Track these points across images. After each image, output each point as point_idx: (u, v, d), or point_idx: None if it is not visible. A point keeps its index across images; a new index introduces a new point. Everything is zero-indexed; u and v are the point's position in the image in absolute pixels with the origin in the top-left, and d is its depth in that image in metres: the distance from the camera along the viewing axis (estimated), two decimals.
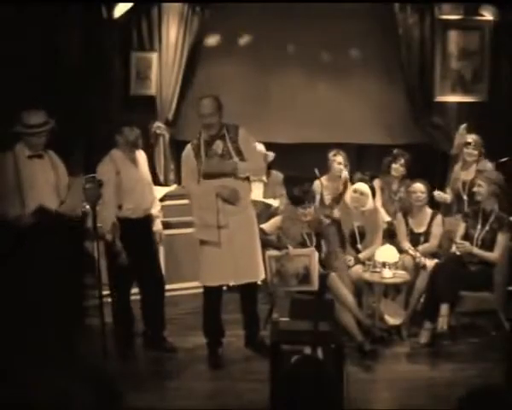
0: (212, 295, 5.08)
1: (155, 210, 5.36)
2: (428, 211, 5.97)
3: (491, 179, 5.66)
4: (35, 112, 4.96)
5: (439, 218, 5.92)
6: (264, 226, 5.54)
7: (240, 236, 5.04)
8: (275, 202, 6.32)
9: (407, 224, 5.95)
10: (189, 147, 5.06)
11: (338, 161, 6.47)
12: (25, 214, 4.88)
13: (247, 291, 5.18)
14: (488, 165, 6.17)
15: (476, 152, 6.17)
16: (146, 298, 5.30)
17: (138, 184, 5.10)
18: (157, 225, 5.38)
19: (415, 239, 5.90)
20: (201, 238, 5.02)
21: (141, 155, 5.24)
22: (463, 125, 6.47)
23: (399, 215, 6.03)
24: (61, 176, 5.13)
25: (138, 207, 5.10)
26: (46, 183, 5.00)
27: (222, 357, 5.15)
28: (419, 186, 5.88)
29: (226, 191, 4.94)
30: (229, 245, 4.97)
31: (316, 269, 5.22)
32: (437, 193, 6.20)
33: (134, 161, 5.13)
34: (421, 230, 5.92)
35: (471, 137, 6.23)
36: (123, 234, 5.02)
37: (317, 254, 5.26)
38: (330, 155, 6.51)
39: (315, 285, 5.23)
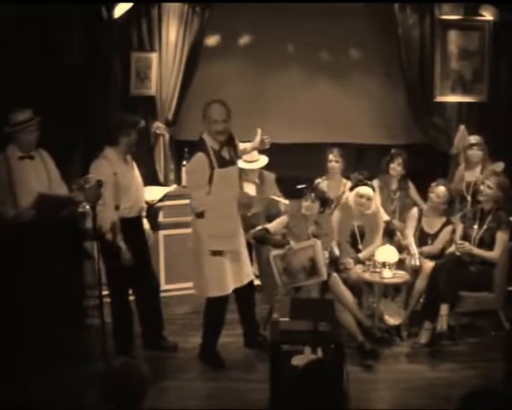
0: (220, 304, 5.04)
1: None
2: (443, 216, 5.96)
3: (502, 185, 5.62)
4: (20, 110, 4.97)
5: (450, 226, 5.87)
6: (269, 226, 5.53)
7: (240, 239, 5.10)
8: (285, 201, 6.31)
9: (419, 223, 5.94)
10: (202, 155, 4.85)
11: (329, 158, 6.55)
12: (22, 213, 4.88)
13: (245, 291, 5.18)
14: (500, 164, 6.15)
15: (480, 153, 6.19)
16: (144, 297, 5.29)
17: (133, 183, 5.08)
18: (145, 224, 5.36)
19: (423, 239, 5.89)
20: (218, 249, 4.91)
21: (129, 156, 5.21)
22: (462, 127, 6.48)
23: (415, 210, 6.02)
24: (52, 175, 5.13)
25: (134, 207, 5.08)
26: (39, 183, 5.01)
27: (220, 356, 5.15)
28: (439, 190, 5.85)
29: (246, 198, 4.97)
30: (235, 251, 5.00)
31: (321, 259, 5.20)
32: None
33: (126, 161, 5.10)
34: (432, 231, 5.90)
35: (475, 138, 6.24)
36: (124, 234, 5.01)
37: (320, 243, 5.24)
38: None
39: (324, 275, 5.21)
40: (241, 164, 6.34)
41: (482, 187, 5.60)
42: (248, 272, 5.21)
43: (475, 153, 6.22)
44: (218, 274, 4.94)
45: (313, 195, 5.57)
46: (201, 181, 4.86)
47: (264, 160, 6.44)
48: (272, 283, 5.36)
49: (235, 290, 5.13)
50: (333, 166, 6.54)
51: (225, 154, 4.97)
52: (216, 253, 4.91)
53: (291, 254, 5.25)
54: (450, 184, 6.17)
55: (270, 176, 6.57)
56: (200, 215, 4.95)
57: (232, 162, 5.01)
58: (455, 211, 6.19)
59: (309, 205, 5.53)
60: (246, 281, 5.14)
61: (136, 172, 5.21)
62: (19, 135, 4.95)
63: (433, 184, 5.92)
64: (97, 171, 4.89)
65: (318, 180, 6.54)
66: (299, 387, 2.81)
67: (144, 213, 5.37)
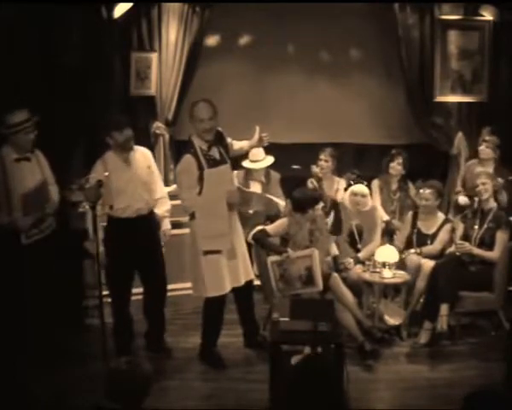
0: (217, 303, 5.04)
1: (162, 210, 5.28)
2: (440, 216, 5.95)
3: (493, 176, 5.73)
4: (17, 111, 4.93)
5: (448, 225, 5.89)
6: (268, 228, 5.50)
7: (236, 238, 5.08)
8: (281, 201, 6.32)
9: (414, 225, 5.94)
10: (189, 157, 4.89)
11: (319, 157, 6.58)
12: (15, 220, 4.85)
13: (244, 291, 5.18)
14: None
15: (489, 150, 6.22)
16: (146, 298, 5.31)
17: (130, 184, 5.01)
18: (164, 225, 5.31)
19: (421, 240, 5.88)
20: (211, 249, 4.91)
21: (140, 155, 5.15)
22: (488, 128, 6.53)
23: (409, 215, 6.03)
24: (47, 175, 5.11)
25: (128, 208, 5.02)
26: (34, 185, 4.98)
27: (220, 355, 5.15)
28: (425, 193, 5.88)
29: (235, 197, 4.96)
30: (232, 250, 5.00)
31: (318, 269, 5.20)
32: (461, 198, 6.21)
33: (127, 162, 5.04)
34: (430, 232, 5.90)
35: (489, 136, 6.29)
36: (114, 233, 5.02)
37: (318, 253, 5.24)
38: None
39: (319, 286, 5.21)
40: (245, 163, 6.39)
41: (478, 188, 5.62)
42: (247, 271, 5.20)
43: (484, 149, 6.26)
44: (214, 274, 4.94)
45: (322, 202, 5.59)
46: (190, 182, 4.88)
47: (269, 159, 6.46)
48: (271, 284, 5.35)
49: (234, 290, 5.13)
50: (321, 165, 6.57)
51: (215, 153, 4.97)
52: (209, 252, 4.91)
53: (289, 261, 5.24)
54: (442, 185, 6.21)
55: (276, 176, 6.59)
56: (192, 216, 4.99)
57: (223, 161, 5.00)
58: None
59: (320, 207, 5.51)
60: (243, 280, 5.13)
61: (140, 173, 5.10)
62: (16, 136, 4.90)
63: (421, 191, 5.95)
64: (93, 171, 4.96)
65: (313, 166, 6.58)
66: (298, 382, 2.80)
67: (167, 214, 5.32)
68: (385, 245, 5.73)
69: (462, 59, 6.96)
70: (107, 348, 4.79)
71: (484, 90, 6.97)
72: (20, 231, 4.88)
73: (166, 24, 6.85)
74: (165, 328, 5.38)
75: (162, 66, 6.92)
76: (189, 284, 5.88)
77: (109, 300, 5.19)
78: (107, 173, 4.91)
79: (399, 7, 6.89)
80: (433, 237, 5.86)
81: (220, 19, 7.09)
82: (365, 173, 6.43)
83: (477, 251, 5.50)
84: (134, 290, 5.29)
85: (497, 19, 6.82)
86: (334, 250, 5.59)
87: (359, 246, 5.86)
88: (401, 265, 5.64)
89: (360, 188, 5.90)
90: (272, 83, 7.58)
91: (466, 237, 5.62)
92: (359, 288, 5.55)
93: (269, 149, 6.47)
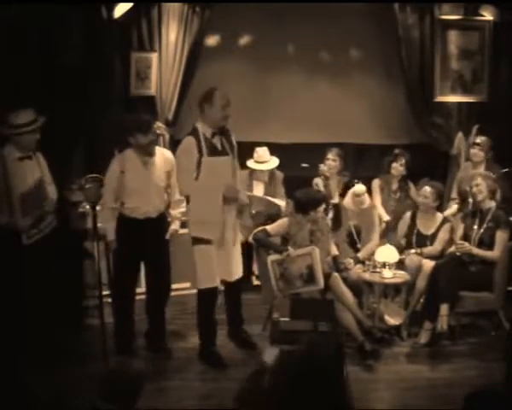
0: (210, 295, 5.06)
1: (176, 211, 5.30)
2: (439, 215, 5.96)
3: (488, 176, 5.71)
4: (23, 111, 4.92)
5: (447, 225, 5.89)
6: (269, 228, 5.50)
7: (231, 233, 5.08)
8: (281, 202, 6.33)
9: (414, 226, 5.93)
10: (190, 138, 4.91)
11: (327, 157, 6.59)
12: (15, 220, 4.85)
13: (233, 287, 5.19)
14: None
15: (482, 153, 6.21)
16: (148, 298, 5.32)
17: (144, 186, 5.02)
18: (173, 225, 5.32)
19: (421, 240, 5.88)
20: (201, 236, 4.94)
21: (161, 159, 5.12)
22: (476, 127, 6.51)
23: (407, 215, 6.03)
24: (45, 174, 5.11)
25: (137, 209, 5.03)
26: (34, 183, 4.98)
27: (220, 355, 5.15)
28: (425, 190, 5.89)
29: (232, 192, 4.96)
30: (225, 243, 5.01)
31: (319, 267, 5.19)
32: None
33: (146, 165, 5.04)
34: (429, 232, 5.90)
35: (480, 138, 6.28)
36: (122, 231, 5.04)
37: (318, 251, 5.23)
38: None
39: (320, 284, 5.20)
40: (250, 164, 6.40)
41: (473, 190, 5.62)
42: (239, 268, 5.20)
43: (477, 152, 6.25)
44: (205, 264, 4.96)
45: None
46: (189, 165, 4.88)
47: (274, 161, 6.47)
48: (272, 284, 5.35)
49: (224, 286, 5.16)
50: (329, 164, 6.58)
51: (217, 143, 4.98)
52: (197, 241, 4.92)
53: (289, 260, 5.24)
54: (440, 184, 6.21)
55: (280, 176, 6.60)
56: (187, 201, 5.02)
57: (224, 153, 5.01)
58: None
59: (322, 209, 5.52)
60: (234, 277, 5.15)
61: (158, 176, 5.08)
62: (21, 137, 4.89)
63: (422, 189, 5.95)
64: (109, 166, 5.04)
65: (321, 165, 6.58)
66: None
67: (179, 215, 5.31)
68: (385, 245, 5.73)
69: (462, 59, 6.97)
70: (107, 348, 4.79)
71: (484, 90, 6.97)
72: (21, 231, 4.88)
73: (166, 24, 6.85)
74: (165, 328, 5.38)
75: (162, 66, 6.92)
76: (188, 284, 5.89)
77: (109, 300, 5.20)
78: (123, 171, 4.96)
79: (399, 7, 6.89)
80: (433, 237, 5.86)
81: (220, 19, 7.09)
82: (365, 173, 6.43)
83: (477, 251, 5.50)
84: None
85: (497, 19, 6.83)
86: (334, 250, 5.59)
87: (359, 246, 5.87)
88: (401, 265, 5.65)
89: (361, 188, 5.92)
90: (272, 83, 7.58)
91: (466, 236, 5.62)
92: (359, 288, 5.55)
93: (269, 150, 6.48)
